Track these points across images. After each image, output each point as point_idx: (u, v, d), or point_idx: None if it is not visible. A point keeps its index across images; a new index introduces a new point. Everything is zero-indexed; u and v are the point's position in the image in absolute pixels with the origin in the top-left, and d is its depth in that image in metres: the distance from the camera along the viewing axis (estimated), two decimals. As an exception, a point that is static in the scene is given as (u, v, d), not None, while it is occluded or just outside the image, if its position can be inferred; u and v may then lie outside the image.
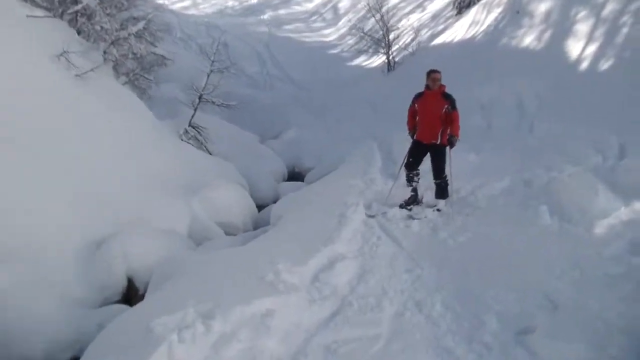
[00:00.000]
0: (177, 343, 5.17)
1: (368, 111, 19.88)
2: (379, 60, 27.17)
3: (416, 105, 10.12)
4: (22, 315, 6.90)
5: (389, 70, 24.82)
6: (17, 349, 6.68)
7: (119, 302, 8.04)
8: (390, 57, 25.34)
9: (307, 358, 5.63)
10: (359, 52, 30.35)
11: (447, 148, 9.88)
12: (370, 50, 28.45)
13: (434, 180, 10.12)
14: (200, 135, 16.00)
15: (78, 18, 15.57)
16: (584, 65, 14.31)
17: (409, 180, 10.27)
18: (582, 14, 15.42)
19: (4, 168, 8.35)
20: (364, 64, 29.42)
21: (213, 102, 16.96)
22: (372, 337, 6.10)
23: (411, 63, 22.48)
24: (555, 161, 10.42)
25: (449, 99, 9.74)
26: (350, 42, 33.43)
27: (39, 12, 12.75)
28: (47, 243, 8.01)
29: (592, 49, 14.39)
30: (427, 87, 9.95)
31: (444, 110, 9.69)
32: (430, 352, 5.87)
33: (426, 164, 10.27)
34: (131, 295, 8.19)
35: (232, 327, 5.62)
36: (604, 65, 13.85)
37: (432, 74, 9.91)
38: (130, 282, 8.39)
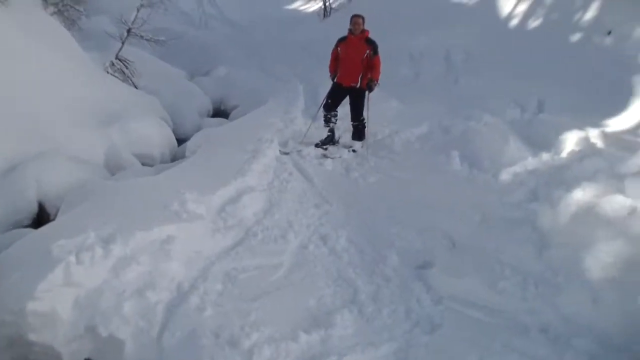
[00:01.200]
0: (75, 265, 5.15)
1: (301, 54, 19.79)
2: (316, 5, 27.03)
3: (339, 48, 10.16)
4: None
5: (324, 15, 24.71)
6: None
7: (29, 226, 7.95)
8: (327, 3, 25.21)
9: (206, 282, 5.70)
10: (297, -4, 30.17)
11: (367, 92, 9.97)
12: (308, -5, 28.30)
13: (352, 122, 10.26)
14: (127, 68, 15.72)
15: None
16: (513, 22, 14.60)
17: (327, 120, 10.38)
18: (516, -30, 15.59)
19: None
20: (301, 8, 29.23)
21: (142, 37, 16.65)
22: (273, 266, 6.22)
23: (347, 10, 22.35)
24: (475, 112, 10.59)
25: (371, 44, 9.80)
26: (288, -15, 33.12)
27: None
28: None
29: (522, 7, 14.69)
30: (350, 31, 9.99)
31: (365, 55, 9.75)
32: (329, 282, 6.01)
33: (346, 107, 10.36)
34: (42, 220, 8.05)
35: (132, 251, 5.63)
36: (532, 24, 14.15)
37: (354, 18, 9.96)
38: (42, 207, 8.28)
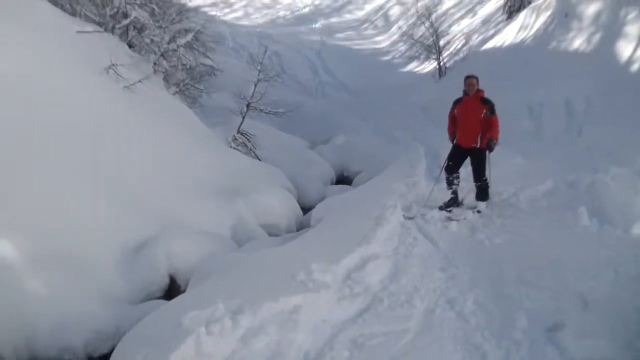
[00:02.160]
0: (205, 335, 5.38)
1: (418, 116, 19.90)
2: (430, 66, 27.17)
3: (455, 110, 10.26)
4: (67, 311, 7.16)
5: (440, 75, 24.79)
6: (60, 339, 6.95)
7: (161, 298, 8.27)
8: (441, 63, 25.31)
9: (333, 351, 5.75)
10: (411, 59, 30.41)
11: (487, 151, 9.92)
12: (422, 57, 28.45)
13: (475, 183, 10.21)
14: (249, 141, 16.26)
15: (129, 32, 16.04)
16: (634, 67, 14.16)
17: (449, 183, 10.38)
18: (632, 15, 15.25)
19: (56, 176, 8.72)
20: (415, 70, 29.43)
21: (261, 110, 17.23)
22: (399, 332, 6.19)
23: (462, 68, 22.39)
24: (601, 164, 10.32)
25: (487, 103, 9.82)
26: (402, 48, 33.46)
27: (89, 28, 13.18)
28: (93, 245, 8.31)
29: (642, 51, 14.26)
30: (465, 92, 10.06)
31: (482, 114, 9.77)
32: (457, 348, 5.92)
33: (469, 168, 10.34)
34: (173, 292, 8.38)
35: (260, 322, 5.79)
36: (655, 67, 13.73)
37: (467, 79, 10.03)
38: (173, 280, 8.63)
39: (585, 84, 14.43)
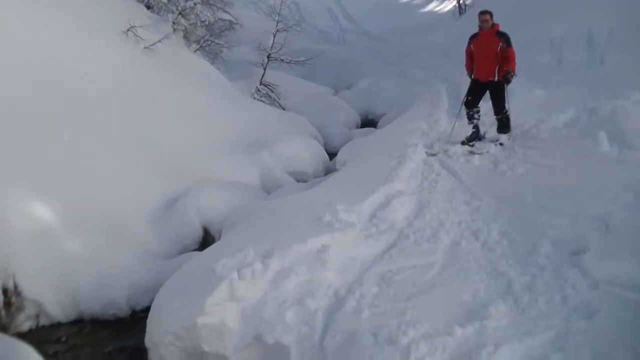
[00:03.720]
0: (238, 280, 5.64)
1: (440, 56, 19.82)
2: (450, 4, 26.97)
3: (472, 45, 10.33)
4: (108, 267, 7.46)
5: (460, 13, 24.57)
6: (103, 296, 7.26)
7: (197, 249, 8.50)
8: (461, 1, 25.04)
9: (362, 286, 5.91)
10: (431, -2, 30.14)
11: (505, 84, 9.96)
12: (442, -5, 28.20)
13: (495, 116, 10.26)
14: (273, 92, 16.37)
15: (145, -8, 16.11)
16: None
17: (470, 118, 10.45)
18: (653, -62, 14.93)
19: (85, 139, 8.96)
20: (435, 9, 29.25)
21: (282, 60, 17.28)
22: (426, 265, 6.33)
23: (482, 4, 22.07)
24: (622, 90, 10.26)
25: (503, 36, 9.84)
26: (422, -13, 33.13)
27: (105, -8, 13.30)
28: (128, 204, 8.60)
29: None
30: (480, 28, 10.10)
31: (498, 48, 9.80)
32: (483, 276, 6.04)
33: (489, 102, 10.41)
34: (208, 243, 8.59)
35: (290, 263, 6.01)
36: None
37: (481, 15, 10.09)
38: (206, 232, 8.90)
39: (605, 14, 14.23)
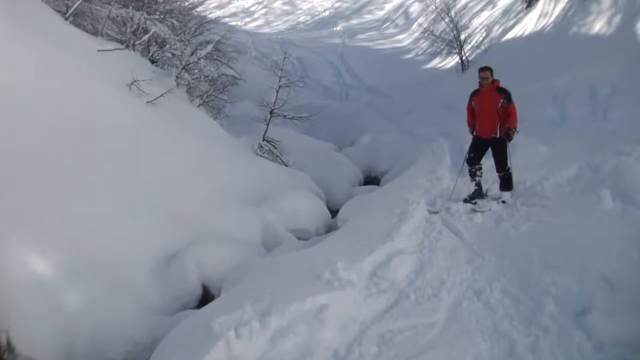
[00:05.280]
0: (235, 339, 5.54)
1: (443, 112, 19.87)
2: (452, 61, 27.15)
3: (473, 102, 10.37)
4: (105, 322, 7.34)
5: (462, 69, 24.74)
6: (100, 352, 7.13)
7: (195, 307, 8.40)
8: (464, 57, 25.26)
9: (361, 347, 5.84)
10: (433, 55, 30.37)
11: (507, 141, 9.95)
12: (444, 52, 28.39)
13: (497, 173, 10.22)
14: (275, 148, 16.39)
15: (150, 47, 16.27)
16: (661, 50, 14.06)
17: (472, 175, 10.42)
18: (651, -6, 15.13)
19: (89, 190, 8.93)
20: (438, 65, 29.43)
21: (284, 116, 17.35)
22: (427, 325, 6.27)
23: (484, 60, 22.28)
24: (625, 146, 10.27)
25: (504, 93, 9.87)
26: (424, 45, 33.49)
27: (110, 46, 13.43)
28: (127, 256, 8.50)
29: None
30: (480, 84, 10.12)
31: (500, 104, 9.83)
32: (486, 337, 5.98)
33: (491, 159, 10.36)
34: (207, 300, 8.48)
35: (288, 322, 5.91)
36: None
37: (481, 71, 10.16)
38: (206, 290, 8.78)
39: (608, 68, 14.29)
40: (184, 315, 7.48)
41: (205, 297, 8.68)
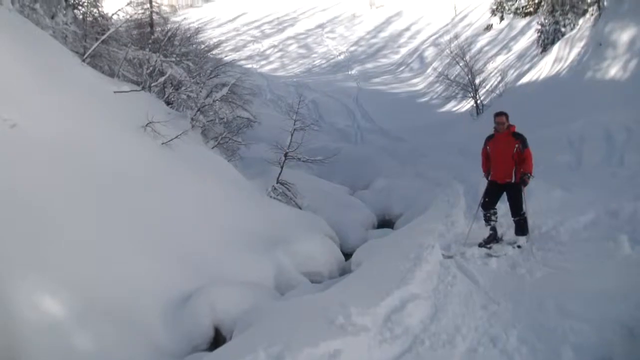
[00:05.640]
0: (250, 383, 5.40)
1: (457, 156, 19.87)
2: (467, 104, 27.25)
3: (488, 147, 10.33)
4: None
5: (477, 113, 24.78)
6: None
7: (207, 350, 8.32)
8: (478, 101, 25.30)
9: (375, 395, 5.72)
10: (448, 99, 30.47)
11: (522, 186, 9.90)
12: (459, 96, 28.50)
13: (513, 218, 10.13)
14: (289, 190, 16.37)
15: (166, 89, 16.40)
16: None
17: (487, 219, 10.33)
18: (666, 39, 15.15)
19: (101, 231, 8.91)
20: (453, 109, 29.52)
21: (298, 159, 17.37)
22: (442, 373, 6.14)
23: (499, 104, 22.31)
24: (644, 191, 10.18)
25: (519, 138, 9.85)
26: (439, 89, 33.61)
27: (126, 87, 13.55)
28: (139, 298, 8.46)
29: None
30: (496, 129, 10.11)
31: (515, 149, 9.79)
32: (502, 386, 5.85)
33: (507, 203, 10.29)
34: (219, 343, 8.41)
35: (301, 367, 5.79)
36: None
37: (497, 117, 10.17)
38: (217, 332, 8.70)
39: (624, 113, 14.28)
40: (195, 358, 7.41)
41: (217, 340, 8.61)
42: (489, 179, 10.39)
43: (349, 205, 16.55)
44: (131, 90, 13.54)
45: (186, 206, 11.06)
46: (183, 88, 16.58)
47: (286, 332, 6.48)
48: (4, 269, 7.15)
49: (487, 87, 26.71)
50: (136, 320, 8.06)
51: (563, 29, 23.99)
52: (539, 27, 26.10)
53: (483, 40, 37.18)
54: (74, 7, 16.89)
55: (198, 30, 22.44)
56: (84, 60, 13.51)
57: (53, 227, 8.26)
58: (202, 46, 22.18)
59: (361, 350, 6.37)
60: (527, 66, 25.39)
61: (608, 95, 15.65)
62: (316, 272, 11.34)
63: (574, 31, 21.11)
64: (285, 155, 16.83)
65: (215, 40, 25.58)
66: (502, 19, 38.90)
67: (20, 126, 8.90)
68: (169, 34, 18.29)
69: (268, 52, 59.49)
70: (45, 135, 9.42)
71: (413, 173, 19.50)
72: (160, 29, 19.25)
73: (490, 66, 30.67)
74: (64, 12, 15.47)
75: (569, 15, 23.89)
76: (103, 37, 14.42)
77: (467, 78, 26.31)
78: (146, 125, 12.04)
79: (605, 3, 19.52)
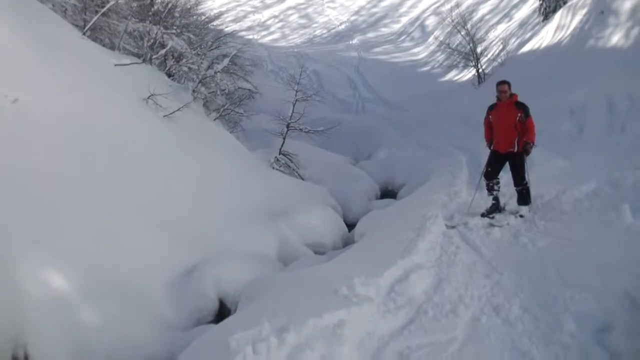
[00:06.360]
0: (252, 355, 5.45)
1: (459, 125, 19.80)
2: (469, 74, 27.08)
3: (490, 116, 10.29)
4: (123, 338, 7.30)
5: (479, 82, 24.64)
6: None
7: (212, 322, 8.37)
8: (480, 70, 25.16)
9: (380, 364, 5.77)
10: (449, 68, 30.25)
11: (525, 155, 9.89)
12: (460, 65, 28.29)
13: (515, 188, 10.15)
14: (292, 162, 16.39)
15: (167, 61, 16.34)
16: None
17: (489, 189, 10.34)
18: (670, 6, 15.03)
19: (104, 206, 8.92)
20: (455, 78, 29.36)
21: (301, 130, 17.37)
22: (445, 342, 6.18)
23: (501, 73, 22.19)
24: (645, 160, 10.18)
25: (521, 107, 9.81)
26: (440, 58, 33.39)
27: (127, 60, 13.49)
28: (144, 273, 8.48)
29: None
30: (498, 98, 10.06)
31: (517, 118, 9.77)
32: (505, 354, 5.90)
33: (509, 173, 10.30)
34: (224, 315, 8.47)
35: (306, 338, 5.82)
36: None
37: (499, 85, 10.11)
38: (222, 304, 8.75)
39: (626, 81, 14.18)
40: (200, 331, 7.45)
41: (222, 312, 8.66)
42: (492, 148, 10.37)
43: (352, 175, 16.56)
44: (132, 63, 13.49)
45: (189, 179, 11.06)
46: (184, 60, 16.51)
47: (290, 303, 6.52)
48: (7, 245, 7.18)
49: (489, 56, 26.51)
50: (140, 295, 8.10)
51: (565, -3, 23.82)
52: (541, -6, 25.93)
53: (484, 8, 36.90)
54: (74, -21, 16.78)
55: (198, 2, 22.27)
56: (84, 34, 13.45)
57: (56, 203, 8.25)
58: (203, 17, 22.05)
59: (365, 320, 6.41)
60: (528, 34, 25.20)
61: (610, 64, 15.53)
62: (319, 243, 11.37)
63: (576, -1, 20.94)
64: (288, 126, 16.84)
65: (215, 11, 25.31)
66: (503, -14, 38.68)
67: (21, 101, 8.87)
68: (169, 5, 18.15)
69: (269, 22, 59.13)
70: (46, 109, 9.39)
71: (415, 143, 19.47)
72: (160, 0, 19.13)
73: (492, 35, 30.44)
74: (64, -16, 15.38)
75: (571, -17, 23.70)
76: (103, 10, 14.32)
77: (468, 47, 26.11)
78: (148, 98, 12.01)
79: (607, -30, 19.34)
